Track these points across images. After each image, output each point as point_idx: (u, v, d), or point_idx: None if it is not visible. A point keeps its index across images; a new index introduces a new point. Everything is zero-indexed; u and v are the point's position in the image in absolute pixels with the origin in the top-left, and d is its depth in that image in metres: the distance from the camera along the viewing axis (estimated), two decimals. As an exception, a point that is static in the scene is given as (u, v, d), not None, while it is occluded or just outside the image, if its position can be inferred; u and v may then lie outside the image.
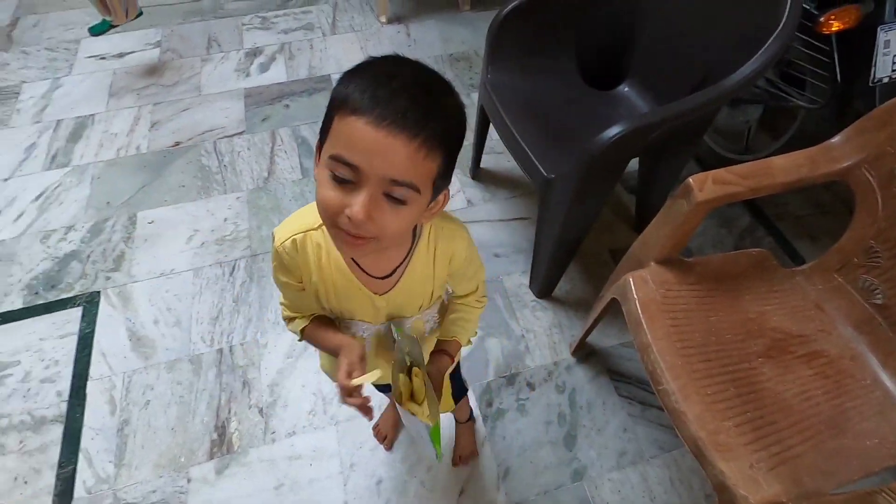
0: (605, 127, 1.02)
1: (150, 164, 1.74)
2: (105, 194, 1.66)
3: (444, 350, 0.73)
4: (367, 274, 0.61)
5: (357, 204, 0.44)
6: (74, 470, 1.13)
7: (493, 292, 1.43)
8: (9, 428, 1.19)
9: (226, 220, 1.60)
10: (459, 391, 1.00)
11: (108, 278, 1.45)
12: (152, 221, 1.59)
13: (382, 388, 0.97)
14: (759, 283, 1.01)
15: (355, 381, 0.56)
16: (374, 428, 1.17)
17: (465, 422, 1.14)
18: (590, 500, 1.09)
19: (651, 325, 0.89)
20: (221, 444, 1.17)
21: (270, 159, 1.77)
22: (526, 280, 1.45)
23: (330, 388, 1.26)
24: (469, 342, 0.77)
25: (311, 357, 1.31)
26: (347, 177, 0.44)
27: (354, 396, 0.56)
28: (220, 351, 1.32)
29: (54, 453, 1.16)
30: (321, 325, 0.67)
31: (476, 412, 1.22)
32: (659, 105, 1.36)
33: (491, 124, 1.41)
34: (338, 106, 0.45)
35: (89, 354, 1.31)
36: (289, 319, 0.68)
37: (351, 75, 0.46)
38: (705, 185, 0.87)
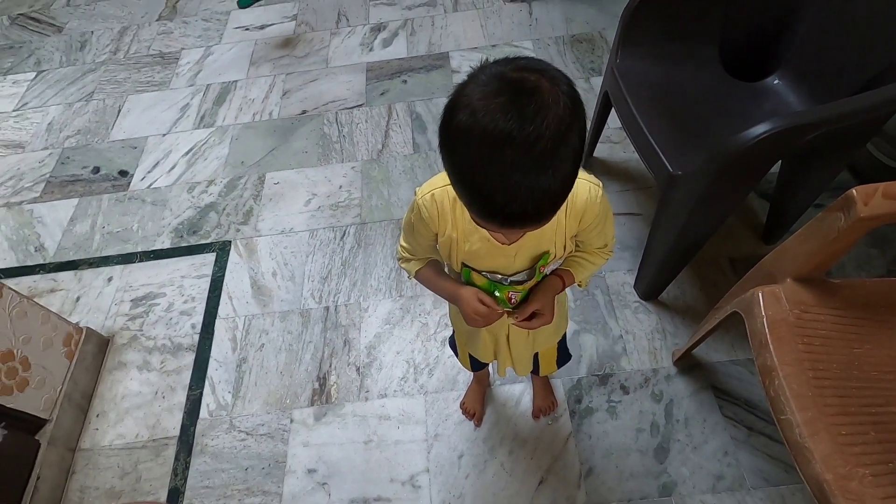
0: (746, 123, 0.92)
1: (279, 130, 1.90)
2: (240, 154, 1.83)
3: (557, 273, 0.74)
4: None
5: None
6: (201, 394, 1.30)
7: (594, 288, 1.38)
8: (154, 349, 1.40)
9: (340, 187, 1.70)
10: (563, 358, 1.03)
11: (238, 230, 1.62)
12: (277, 182, 1.74)
13: (478, 365, 0.99)
14: (922, 318, 0.87)
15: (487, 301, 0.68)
16: (461, 404, 1.21)
17: (544, 376, 1.15)
18: (677, 518, 1.04)
19: (779, 347, 0.81)
20: (321, 394, 1.28)
21: (385, 133, 1.84)
22: (631, 279, 1.38)
23: (422, 359, 1.31)
24: (583, 284, 0.77)
25: (407, 327, 1.36)
26: None
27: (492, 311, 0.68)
28: (327, 309, 1.42)
29: (186, 376, 1.34)
30: (435, 271, 0.76)
31: (563, 406, 1.20)
32: (815, 102, 1.20)
33: (612, 111, 1.34)
34: (461, 193, 0.48)
35: (219, 296, 1.48)
36: (405, 260, 0.76)
37: (461, 145, 0.44)
38: (873, 199, 0.76)
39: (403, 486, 1.13)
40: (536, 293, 0.70)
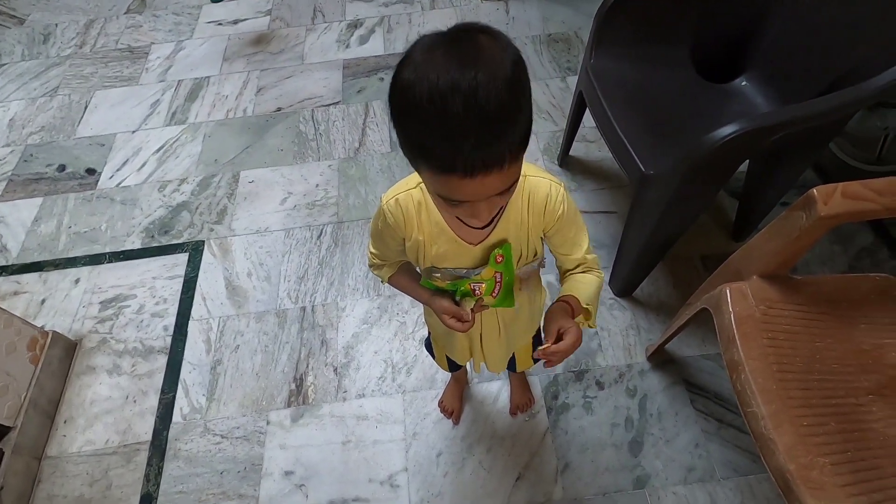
0: (716, 124, 0.94)
1: (254, 127, 1.86)
2: (214, 152, 1.80)
3: (561, 300, 0.69)
4: (465, 225, 0.63)
5: (477, 218, 0.52)
6: (174, 397, 1.28)
7: (569, 285, 1.40)
8: (124, 352, 1.36)
9: (317, 185, 1.68)
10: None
11: (211, 230, 1.59)
12: (252, 181, 1.71)
13: (455, 365, 1.00)
14: (879, 312, 0.90)
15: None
16: (440, 402, 1.21)
17: (520, 372, 1.14)
18: (650, 510, 1.06)
19: (745, 342, 0.83)
20: (298, 395, 1.26)
21: (362, 131, 1.83)
22: (605, 276, 1.41)
23: (400, 358, 1.31)
24: (590, 320, 0.71)
25: (385, 326, 1.36)
26: (459, 201, 0.49)
27: (464, 318, 0.68)
28: (304, 309, 1.41)
29: (159, 380, 1.31)
30: (408, 276, 0.76)
31: (540, 403, 1.21)
32: (781, 103, 1.23)
33: (586, 111, 1.36)
34: (417, 156, 0.47)
35: (192, 297, 1.45)
36: (376, 267, 0.76)
37: (407, 102, 0.43)
38: (832, 199, 0.78)
39: (382, 486, 1.13)
40: (549, 321, 0.66)
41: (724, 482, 1.08)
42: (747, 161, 1.34)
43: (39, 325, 1.30)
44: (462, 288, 0.69)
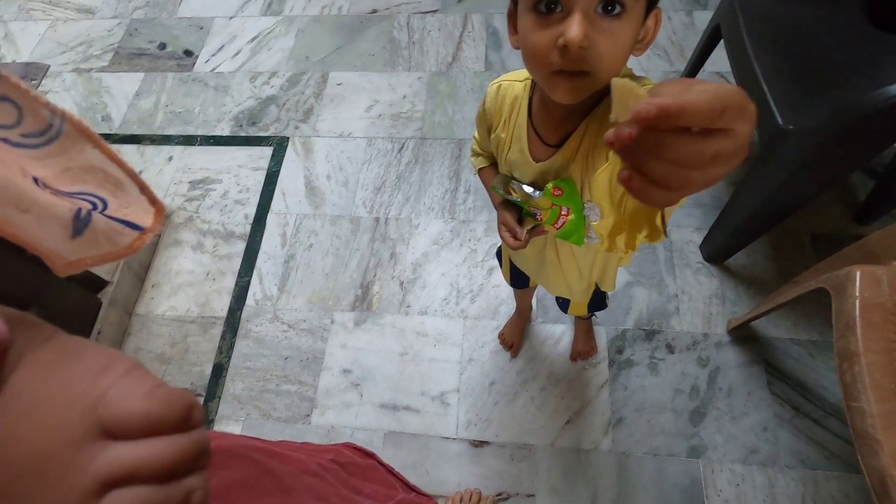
0: (883, 81, 0.79)
1: (347, 27, 1.79)
2: (305, 49, 1.76)
3: None
4: (540, 140, 0.59)
5: (572, 26, 0.42)
6: (249, 282, 1.34)
7: (656, 241, 1.30)
8: (207, 232, 1.43)
9: (404, 97, 1.62)
10: (597, 304, 0.93)
11: (296, 127, 1.59)
12: (340, 84, 1.67)
13: (518, 280, 0.95)
14: None
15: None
16: (500, 334, 1.20)
17: (586, 318, 1.13)
18: (702, 480, 1.03)
19: (867, 332, 0.74)
20: (363, 301, 1.29)
21: (457, 45, 1.72)
22: (697, 238, 1.30)
23: (466, 284, 1.29)
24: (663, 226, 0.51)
25: (455, 250, 1.34)
26: (552, 5, 0.43)
27: (517, 236, 0.66)
28: (377, 219, 1.41)
29: (236, 263, 1.37)
30: (494, 174, 0.72)
31: (603, 354, 1.18)
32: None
33: (713, 52, 1.19)
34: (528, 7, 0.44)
35: (273, 190, 1.48)
36: (475, 153, 0.75)
37: None
38: None
39: (433, 401, 1.16)
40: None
41: (787, 471, 1.03)
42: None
43: (136, 194, 1.37)
44: (526, 207, 0.66)
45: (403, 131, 1.55)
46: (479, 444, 1.11)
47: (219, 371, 1.24)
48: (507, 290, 1.27)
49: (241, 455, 0.36)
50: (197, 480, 0.20)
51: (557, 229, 0.64)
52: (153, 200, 0.33)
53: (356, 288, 1.31)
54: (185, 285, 1.36)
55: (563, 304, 0.96)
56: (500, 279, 1.27)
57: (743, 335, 1.17)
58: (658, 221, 0.44)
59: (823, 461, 1.03)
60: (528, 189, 0.63)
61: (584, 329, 1.16)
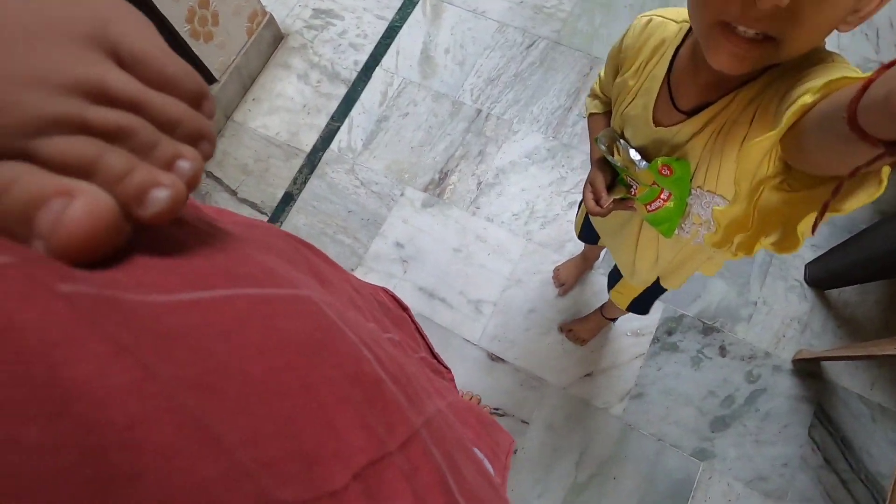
0: None
1: None
2: None
3: None
4: (671, 101, 0.49)
5: None
6: (339, 128, 1.34)
7: (761, 241, 1.17)
8: (316, 66, 1.42)
9: (556, -10, 1.45)
10: (639, 306, 0.85)
11: (433, -14, 1.48)
12: (494, -47, 1.50)
13: (588, 235, 0.88)
14: None
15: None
16: (556, 269, 1.16)
17: (607, 316, 1.03)
18: (696, 481, 1.01)
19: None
20: (437, 186, 1.27)
21: (639, -52, 1.48)
22: (808, 256, 1.15)
23: (542, 208, 1.24)
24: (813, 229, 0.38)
25: (546, 171, 1.27)
26: None
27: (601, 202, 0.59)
28: (479, 111, 1.34)
29: (333, 105, 1.37)
30: (605, 125, 0.62)
31: (651, 328, 1.12)
32: None
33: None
34: None
35: (389, 45, 1.42)
36: (593, 95, 0.65)
37: None
38: None
39: (468, 304, 1.17)
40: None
41: (787, 509, 0.99)
42: None
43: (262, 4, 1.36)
44: (623, 175, 0.57)
45: (540, 28, 1.41)
46: (496, 358, 1.12)
47: (288, 199, 1.29)
48: (581, 230, 1.20)
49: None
50: (191, 151, 0.17)
51: (649, 212, 0.55)
52: None
53: (435, 171, 1.29)
54: (282, 109, 1.38)
55: (613, 280, 0.87)
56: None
57: (808, 370, 1.07)
58: (803, 227, 0.34)
59: (830, 518, 0.97)
60: (634, 155, 0.54)
61: (598, 321, 1.06)
